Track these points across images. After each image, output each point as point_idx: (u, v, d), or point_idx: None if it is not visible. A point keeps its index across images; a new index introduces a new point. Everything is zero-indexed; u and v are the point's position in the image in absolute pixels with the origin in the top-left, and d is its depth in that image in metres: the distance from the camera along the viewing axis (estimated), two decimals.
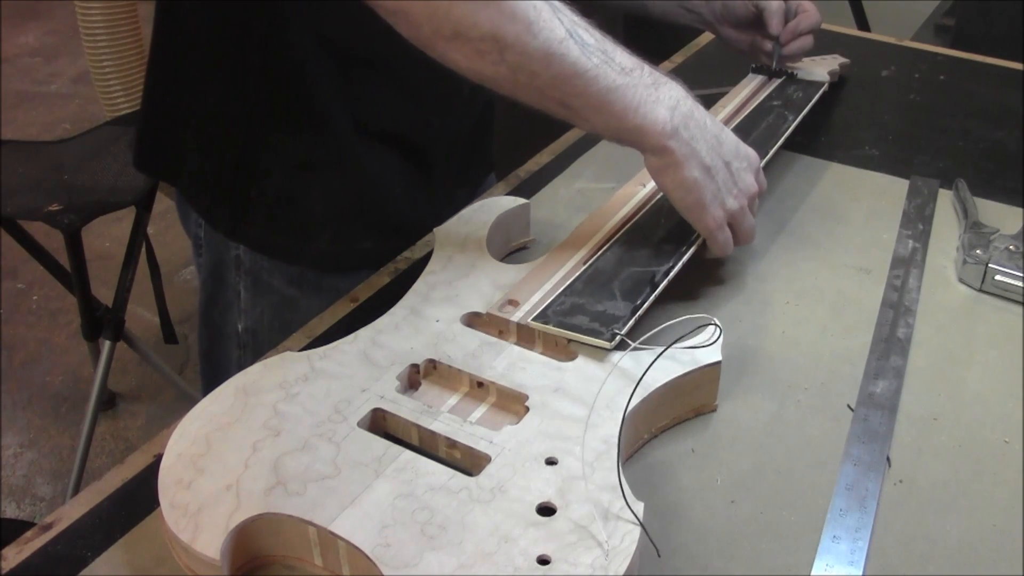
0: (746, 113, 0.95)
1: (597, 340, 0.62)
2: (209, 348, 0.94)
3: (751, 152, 0.74)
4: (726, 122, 0.91)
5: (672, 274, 0.70)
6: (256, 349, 0.89)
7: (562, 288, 0.68)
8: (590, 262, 0.71)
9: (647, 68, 0.68)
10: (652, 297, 0.68)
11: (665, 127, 0.67)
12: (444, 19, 0.62)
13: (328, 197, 0.84)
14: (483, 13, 0.61)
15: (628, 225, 0.76)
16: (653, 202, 0.79)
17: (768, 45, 1.02)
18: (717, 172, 0.70)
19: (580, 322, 0.64)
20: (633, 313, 0.65)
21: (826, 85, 1.04)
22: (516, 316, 0.65)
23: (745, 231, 0.74)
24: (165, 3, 0.83)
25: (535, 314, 0.65)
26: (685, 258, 0.72)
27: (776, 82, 1.02)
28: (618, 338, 0.63)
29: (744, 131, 0.87)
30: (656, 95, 0.67)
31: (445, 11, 0.62)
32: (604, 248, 0.73)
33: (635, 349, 0.62)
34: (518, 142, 1.07)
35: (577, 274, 0.70)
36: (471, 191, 0.95)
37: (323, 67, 0.78)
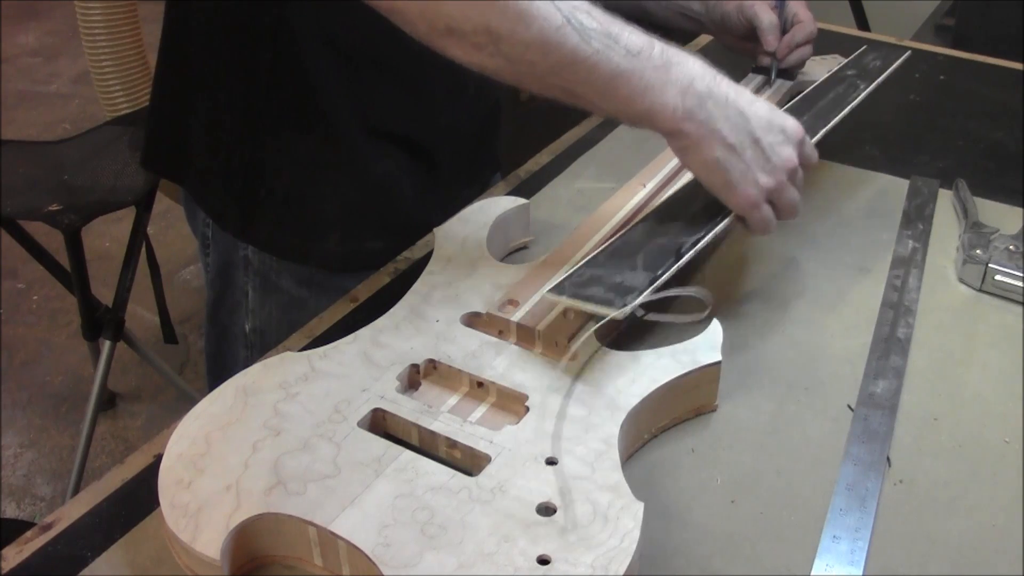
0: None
1: (606, 309, 0.60)
2: (216, 348, 0.94)
3: (790, 123, 0.70)
4: None
5: (700, 245, 0.67)
6: (263, 350, 0.88)
7: (585, 260, 0.66)
8: (619, 234, 0.69)
9: (659, 46, 0.65)
10: (675, 268, 0.65)
11: (676, 111, 0.65)
12: (436, 16, 0.62)
13: (336, 197, 0.84)
14: (474, 7, 0.61)
15: (663, 198, 0.73)
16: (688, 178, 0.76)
17: (767, 60, 1.01)
18: (744, 149, 0.67)
19: (594, 293, 0.62)
20: (651, 283, 0.62)
21: (904, 55, 0.99)
22: (516, 316, 0.65)
23: (786, 206, 0.70)
24: (175, 3, 0.83)
25: (552, 285, 0.64)
26: (715, 231, 0.69)
27: (779, 83, 1.02)
28: (628, 308, 0.60)
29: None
30: (666, 76, 0.64)
31: (436, 8, 0.61)
32: (635, 222, 0.70)
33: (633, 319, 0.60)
34: (520, 142, 1.07)
35: (604, 246, 0.67)
36: (478, 190, 0.95)
37: (330, 67, 0.79)
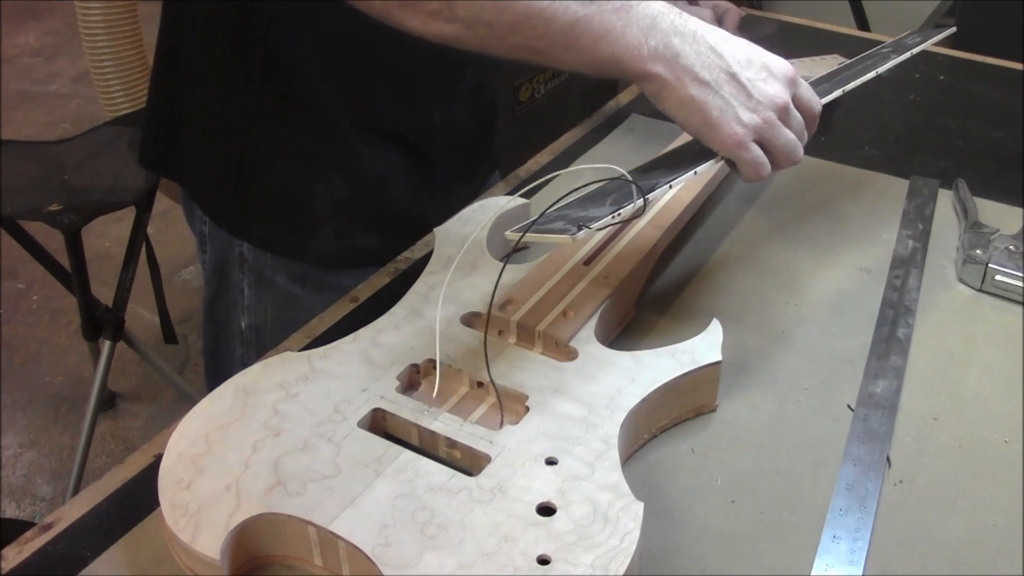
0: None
1: (559, 237, 0.58)
2: (213, 346, 0.94)
3: (775, 61, 0.66)
4: None
5: (674, 183, 0.63)
6: (260, 346, 0.89)
7: (558, 205, 0.64)
8: (600, 183, 0.66)
9: None
10: (641, 202, 0.61)
11: (640, 51, 0.62)
12: None
13: (329, 194, 0.84)
14: None
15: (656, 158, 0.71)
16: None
17: None
18: (720, 85, 0.64)
19: (554, 227, 0.60)
20: (613, 213, 0.59)
21: (947, 32, 0.94)
22: (516, 316, 0.65)
23: (780, 148, 0.66)
24: (171, 2, 0.83)
25: (517, 227, 0.62)
26: (696, 171, 0.65)
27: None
28: (583, 231, 0.57)
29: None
30: (626, 18, 0.62)
31: None
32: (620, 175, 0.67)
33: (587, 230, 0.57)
34: (519, 142, 1.07)
35: (581, 195, 0.65)
36: (475, 188, 0.95)
37: (323, 65, 0.79)
